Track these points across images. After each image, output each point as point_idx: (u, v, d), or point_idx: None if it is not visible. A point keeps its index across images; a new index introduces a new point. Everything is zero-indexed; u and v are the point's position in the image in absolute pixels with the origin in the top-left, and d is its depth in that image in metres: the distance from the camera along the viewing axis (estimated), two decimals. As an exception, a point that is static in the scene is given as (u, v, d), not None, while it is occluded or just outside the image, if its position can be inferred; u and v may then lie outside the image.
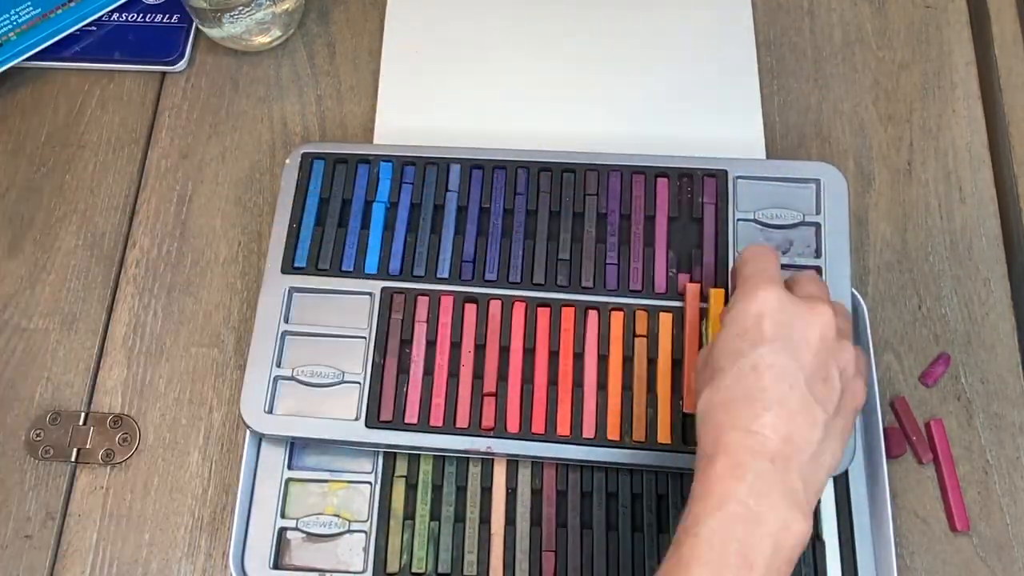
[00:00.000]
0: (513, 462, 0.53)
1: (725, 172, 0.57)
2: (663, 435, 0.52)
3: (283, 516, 0.53)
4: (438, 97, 0.65)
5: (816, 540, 0.51)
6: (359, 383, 0.54)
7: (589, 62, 0.66)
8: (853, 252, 0.57)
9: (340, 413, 0.53)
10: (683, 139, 0.63)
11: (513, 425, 0.52)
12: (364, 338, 0.55)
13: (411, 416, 0.53)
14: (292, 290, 0.56)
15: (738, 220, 0.56)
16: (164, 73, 0.68)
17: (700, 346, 0.53)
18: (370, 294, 0.55)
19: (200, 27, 0.67)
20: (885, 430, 0.54)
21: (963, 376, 0.57)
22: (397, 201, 0.58)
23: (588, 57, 0.66)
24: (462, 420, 0.53)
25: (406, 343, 0.54)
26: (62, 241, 0.63)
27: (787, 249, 0.56)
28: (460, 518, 0.52)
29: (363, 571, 0.52)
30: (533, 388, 0.53)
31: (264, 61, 0.68)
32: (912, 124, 0.64)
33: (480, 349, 0.54)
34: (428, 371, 0.54)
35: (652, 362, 0.54)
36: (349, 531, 0.53)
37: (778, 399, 0.41)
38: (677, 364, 0.53)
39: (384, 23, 0.67)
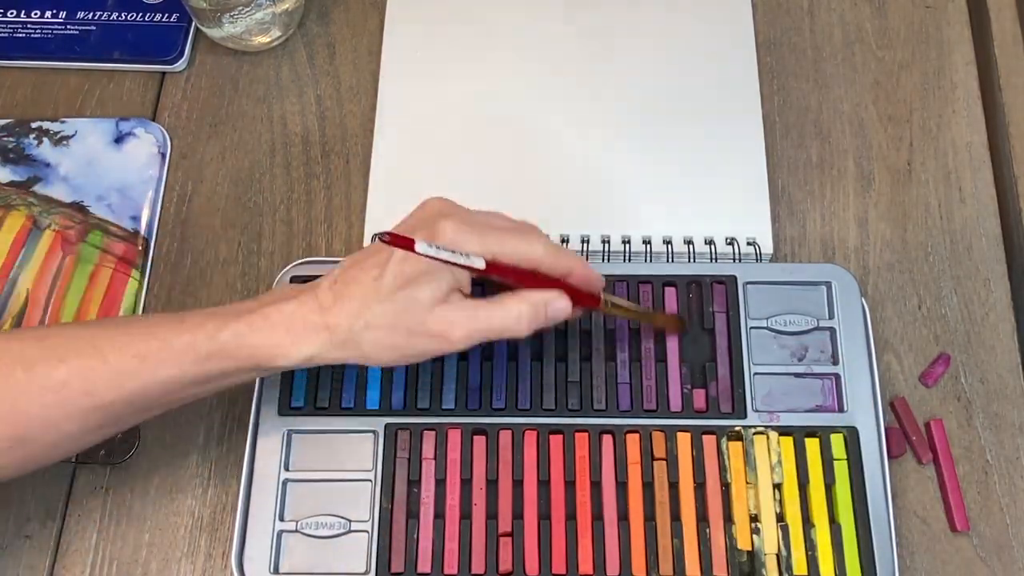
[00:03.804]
0: None
1: (734, 278, 0.56)
2: (691, 568, 0.50)
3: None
4: (438, 98, 0.65)
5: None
6: (367, 532, 0.52)
7: (588, 61, 0.66)
8: (876, 356, 0.55)
9: (349, 566, 0.51)
10: (681, 137, 0.63)
11: (532, 567, 0.51)
12: (370, 481, 0.53)
13: (424, 565, 0.51)
14: (291, 433, 0.54)
15: (751, 328, 0.55)
16: (164, 73, 0.68)
17: (720, 470, 0.52)
18: (373, 432, 0.53)
19: (200, 27, 0.67)
20: (885, 430, 0.53)
21: (963, 376, 0.57)
22: None
23: (587, 56, 0.66)
24: (478, 565, 0.51)
25: (414, 483, 0.52)
26: (62, 241, 0.63)
27: (803, 356, 0.55)
28: None
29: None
30: (551, 524, 0.51)
31: (264, 61, 0.68)
32: (912, 124, 0.64)
33: (492, 485, 0.52)
34: (439, 513, 0.52)
35: (674, 487, 0.52)
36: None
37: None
38: (699, 488, 0.52)
39: (384, 23, 0.67)
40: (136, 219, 0.62)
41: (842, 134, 0.64)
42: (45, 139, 0.64)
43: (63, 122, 0.65)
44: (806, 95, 0.66)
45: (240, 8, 0.63)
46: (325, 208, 0.63)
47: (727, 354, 0.55)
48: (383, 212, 0.61)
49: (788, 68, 0.66)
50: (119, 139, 0.64)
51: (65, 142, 0.64)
